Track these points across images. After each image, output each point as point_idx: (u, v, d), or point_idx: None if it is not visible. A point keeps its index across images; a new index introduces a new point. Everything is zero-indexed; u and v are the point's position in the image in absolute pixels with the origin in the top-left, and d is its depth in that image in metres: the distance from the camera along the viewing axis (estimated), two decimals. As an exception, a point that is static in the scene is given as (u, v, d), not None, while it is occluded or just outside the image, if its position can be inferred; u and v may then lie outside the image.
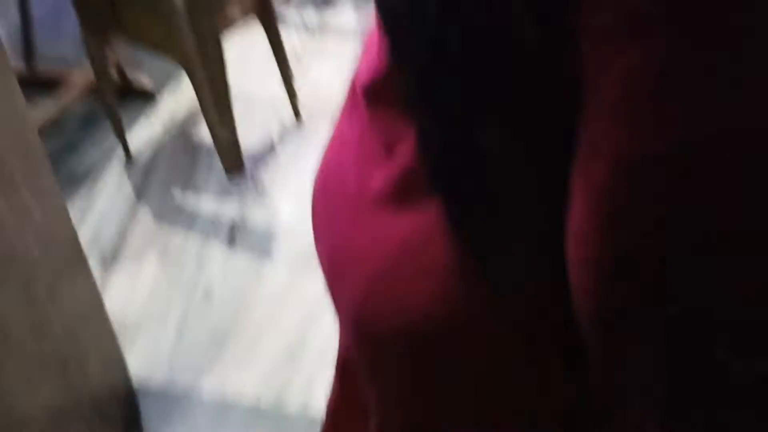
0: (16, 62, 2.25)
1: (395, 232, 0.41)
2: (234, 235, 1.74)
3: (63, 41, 2.29)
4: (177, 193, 1.86)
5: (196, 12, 1.65)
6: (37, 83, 2.20)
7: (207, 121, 1.80)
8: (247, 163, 1.94)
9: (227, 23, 1.80)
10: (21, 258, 0.83)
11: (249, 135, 2.06)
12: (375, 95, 0.43)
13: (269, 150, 2.03)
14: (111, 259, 1.67)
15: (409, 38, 0.37)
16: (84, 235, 1.73)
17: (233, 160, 1.89)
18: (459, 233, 0.38)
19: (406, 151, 0.40)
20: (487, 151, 0.36)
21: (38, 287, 0.86)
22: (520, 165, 0.35)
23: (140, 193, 1.86)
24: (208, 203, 1.83)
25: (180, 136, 2.07)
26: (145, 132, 2.08)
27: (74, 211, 1.79)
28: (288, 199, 1.85)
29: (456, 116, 0.36)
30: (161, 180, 1.90)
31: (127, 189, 1.87)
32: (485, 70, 0.34)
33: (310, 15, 2.76)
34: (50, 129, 2.00)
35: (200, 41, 1.67)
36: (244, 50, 2.28)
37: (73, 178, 1.91)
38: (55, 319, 0.90)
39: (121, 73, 2.18)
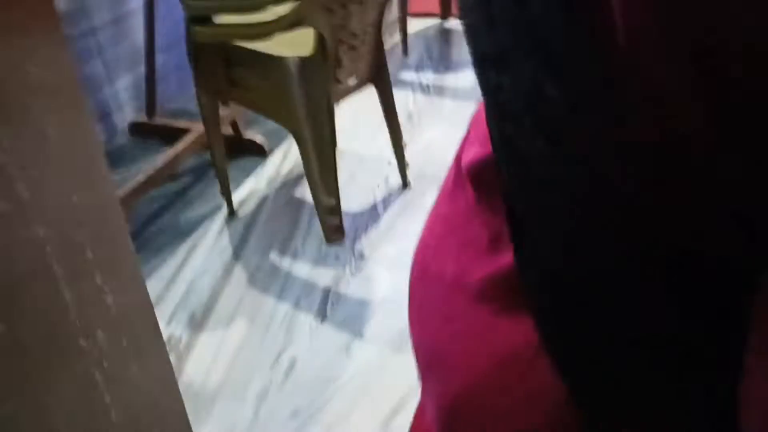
0: (140, 114, 2.34)
1: (494, 342, 0.37)
2: (326, 305, 1.67)
3: (187, 95, 2.36)
4: (274, 256, 1.82)
5: (309, 80, 1.63)
6: (156, 134, 2.28)
7: (311, 186, 1.76)
8: (348, 230, 1.89)
9: (340, 91, 1.77)
10: (85, 350, 0.79)
11: (353, 198, 2.02)
12: (481, 179, 0.39)
13: (372, 215, 1.97)
14: (200, 320, 1.64)
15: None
16: (177, 292, 1.72)
17: (333, 227, 1.83)
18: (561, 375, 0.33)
19: (512, 248, 0.36)
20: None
21: (100, 379, 0.81)
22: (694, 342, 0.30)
23: (238, 252, 1.84)
24: (303, 269, 1.78)
25: (284, 197, 2.06)
26: (251, 189, 2.08)
27: (171, 266, 1.80)
28: (387, 270, 1.77)
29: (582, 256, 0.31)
30: (260, 240, 1.88)
31: (226, 247, 1.86)
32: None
33: (429, 77, 2.72)
34: (164, 179, 2.04)
35: (311, 109, 1.65)
36: (355, 110, 2.26)
37: (177, 231, 1.93)
38: (117, 409, 0.85)
39: (236, 129, 2.21)
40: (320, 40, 1.62)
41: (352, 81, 1.82)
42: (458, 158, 0.43)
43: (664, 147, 0.27)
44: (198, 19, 1.65)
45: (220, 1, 1.62)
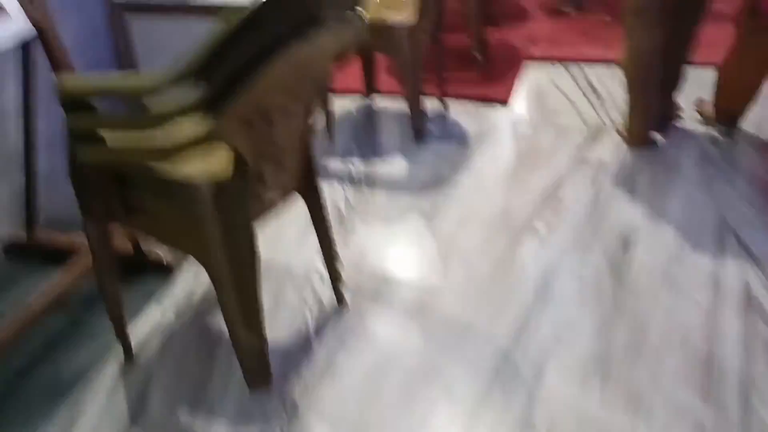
0: (16, 228, 1.95)
1: None
2: (251, 485, 1.33)
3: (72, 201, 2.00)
4: (183, 415, 1.47)
5: (227, 207, 1.32)
6: (39, 255, 1.89)
7: (228, 324, 1.44)
8: (276, 371, 1.56)
9: (264, 209, 1.47)
10: None
11: (279, 326, 1.70)
12: None
13: (305, 348, 1.65)
14: None
15: None
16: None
17: (258, 373, 1.51)
18: None
19: None
20: None
21: None
22: None
23: (136, 413, 1.47)
24: (221, 429, 1.44)
25: (196, 329, 1.71)
26: (154, 322, 1.73)
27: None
28: (327, 424, 1.45)
29: None
30: (165, 395, 1.52)
31: (121, 406, 1.49)
32: None
33: (358, 166, 2.46)
34: (44, 314, 1.66)
35: (229, 239, 1.34)
36: (279, 219, 1.96)
37: (57, 386, 1.54)
38: None
39: (136, 244, 1.86)
40: (238, 158, 1.32)
41: (277, 196, 1.53)
42: None
43: None
44: (84, 135, 1.33)
45: (111, 115, 1.30)
